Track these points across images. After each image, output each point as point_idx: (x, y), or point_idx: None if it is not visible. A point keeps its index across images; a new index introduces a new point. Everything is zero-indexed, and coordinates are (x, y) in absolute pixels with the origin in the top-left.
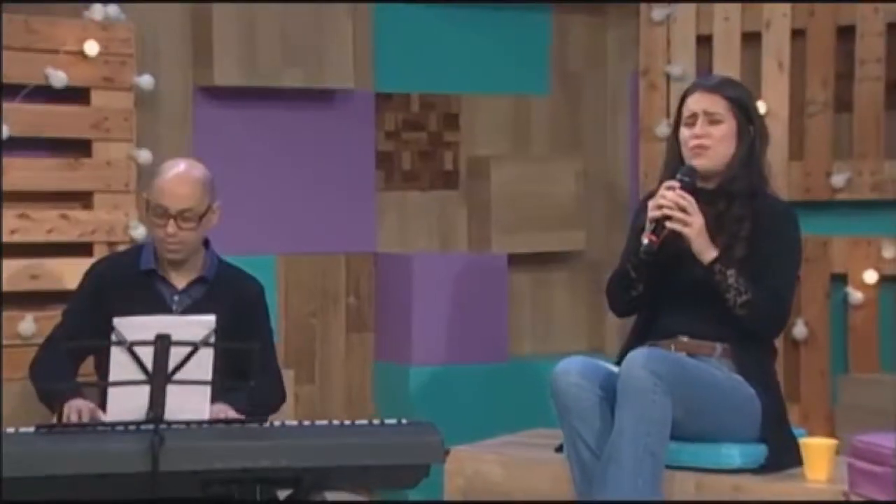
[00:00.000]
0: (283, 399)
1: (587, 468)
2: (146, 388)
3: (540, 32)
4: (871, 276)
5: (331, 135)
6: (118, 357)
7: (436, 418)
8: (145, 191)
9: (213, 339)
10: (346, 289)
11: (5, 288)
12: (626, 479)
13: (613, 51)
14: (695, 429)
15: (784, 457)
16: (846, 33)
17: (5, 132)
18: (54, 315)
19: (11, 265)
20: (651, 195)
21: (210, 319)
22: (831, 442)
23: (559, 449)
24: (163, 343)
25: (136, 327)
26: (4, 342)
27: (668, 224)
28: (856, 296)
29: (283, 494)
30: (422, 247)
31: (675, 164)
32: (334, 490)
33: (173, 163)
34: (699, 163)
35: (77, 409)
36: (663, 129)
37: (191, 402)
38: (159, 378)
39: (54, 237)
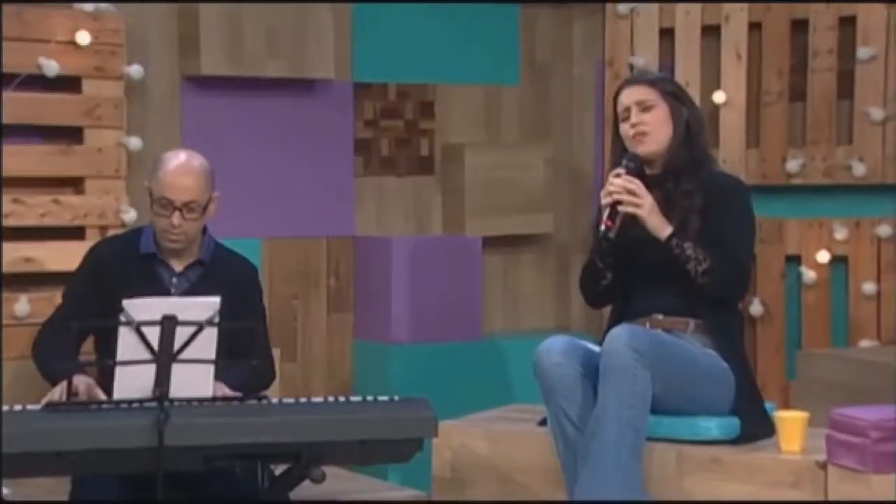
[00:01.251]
0: (273, 377)
1: (571, 442)
2: (152, 367)
3: (510, 25)
4: (823, 257)
5: (312, 123)
6: (126, 337)
7: (415, 394)
8: (147, 181)
9: (217, 320)
10: (327, 271)
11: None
12: (609, 452)
13: (579, 43)
14: (673, 402)
15: (757, 429)
16: (800, 27)
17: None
18: (48, 296)
19: (6, 248)
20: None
21: (215, 301)
22: (804, 415)
23: (542, 423)
24: (169, 323)
25: (144, 308)
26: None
27: (620, 208)
28: (809, 275)
29: (278, 470)
30: (399, 230)
31: (620, 159)
32: (331, 464)
33: (174, 154)
34: (642, 149)
35: (85, 382)
36: None
37: (195, 380)
38: (165, 357)
39: (47, 221)
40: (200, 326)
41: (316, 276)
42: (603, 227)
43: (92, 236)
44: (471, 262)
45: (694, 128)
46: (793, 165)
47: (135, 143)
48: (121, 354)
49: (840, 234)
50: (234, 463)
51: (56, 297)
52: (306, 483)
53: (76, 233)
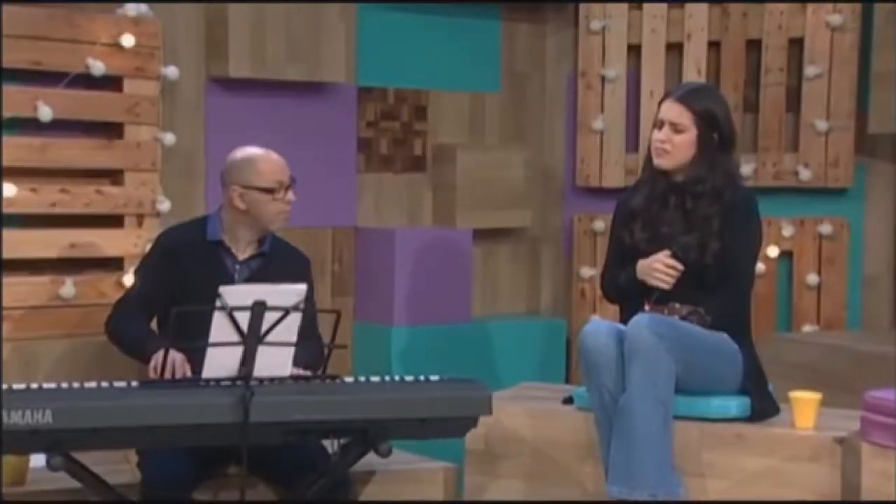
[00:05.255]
0: (322, 357)
1: (609, 413)
2: (239, 348)
3: (492, 37)
4: (772, 251)
5: (321, 123)
6: (219, 320)
7: (414, 372)
8: (237, 183)
9: (302, 306)
10: (332, 258)
11: (46, 255)
12: (640, 426)
13: (552, 55)
14: (689, 381)
15: (766, 407)
16: (754, 46)
17: (49, 115)
18: (91, 279)
19: (53, 234)
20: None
21: (302, 288)
22: (818, 395)
23: (566, 401)
24: (258, 308)
25: (237, 294)
26: (44, 304)
27: (652, 283)
28: (759, 267)
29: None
30: (394, 222)
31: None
32: (393, 440)
33: (249, 149)
34: (658, 161)
35: (181, 358)
36: (598, 124)
37: (277, 360)
38: (252, 340)
39: (91, 210)
40: (287, 311)
41: (322, 263)
42: (647, 308)
43: (130, 225)
44: (463, 252)
45: (722, 153)
46: (746, 170)
47: (169, 138)
48: (213, 336)
49: (787, 231)
50: (309, 437)
51: (98, 280)
52: None
53: (115, 221)
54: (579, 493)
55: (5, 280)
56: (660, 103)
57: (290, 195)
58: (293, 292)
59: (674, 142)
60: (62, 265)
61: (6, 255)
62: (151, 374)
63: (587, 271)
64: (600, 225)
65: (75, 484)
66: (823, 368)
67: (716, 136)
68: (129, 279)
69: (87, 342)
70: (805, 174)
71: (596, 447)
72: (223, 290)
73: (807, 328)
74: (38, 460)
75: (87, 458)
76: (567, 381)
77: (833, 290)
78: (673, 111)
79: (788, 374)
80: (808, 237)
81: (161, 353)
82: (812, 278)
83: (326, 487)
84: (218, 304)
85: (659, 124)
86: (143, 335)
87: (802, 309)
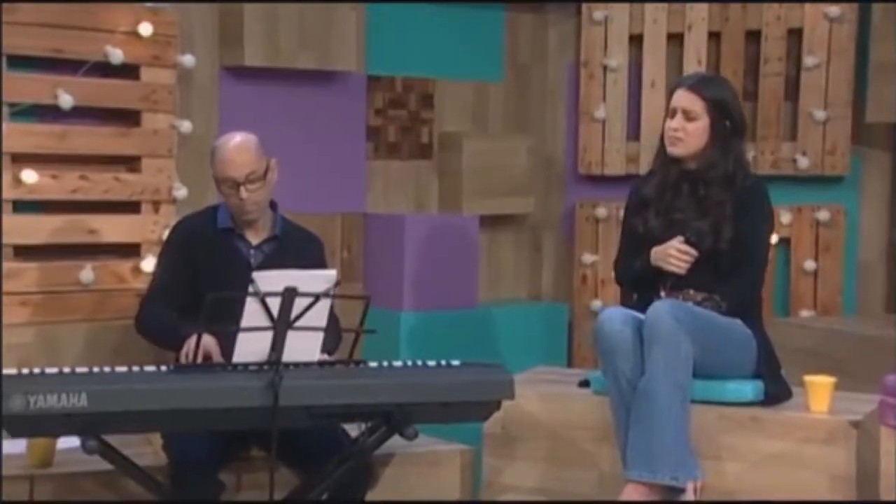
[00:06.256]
0: (341, 341)
1: (625, 397)
2: (269, 333)
3: (496, 29)
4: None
5: (331, 111)
6: (251, 305)
7: (423, 356)
8: (211, 169)
9: (332, 292)
10: (342, 244)
11: (68, 240)
12: (661, 410)
13: (554, 45)
14: (706, 365)
15: (779, 391)
16: (753, 37)
17: (70, 103)
18: (109, 265)
19: (73, 220)
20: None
21: (332, 274)
22: (832, 380)
23: (582, 384)
24: (289, 294)
25: (270, 279)
26: (64, 289)
27: (667, 269)
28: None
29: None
30: (401, 208)
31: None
32: (418, 423)
33: (224, 138)
34: (672, 149)
35: (213, 343)
36: (600, 112)
37: (306, 345)
38: (282, 325)
39: (109, 196)
40: (317, 297)
41: (331, 249)
42: (663, 294)
43: (146, 211)
44: (470, 238)
45: (733, 140)
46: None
47: (186, 126)
48: (245, 321)
49: (785, 218)
50: (335, 421)
51: (116, 266)
52: None
53: (133, 207)
54: (596, 476)
55: (26, 265)
56: (671, 92)
57: (243, 192)
58: (324, 278)
59: (687, 129)
60: (81, 250)
61: (27, 240)
62: (182, 360)
63: (589, 257)
64: (602, 212)
65: (101, 466)
66: (824, 352)
67: (727, 124)
68: (146, 265)
69: (107, 326)
70: (803, 162)
71: (611, 429)
72: (256, 275)
73: (804, 313)
74: (63, 443)
75: (111, 441)
76: (569, 364)
77: (829, 276)
78: (686, 99)
79: (790, 359)
80: (806, 224)
81: (194, 337)
82: (809, 264)
83: (349, 470)
84: (251, 289)
85: (671, 113)
86: (174, 324)
87: (799, 294)
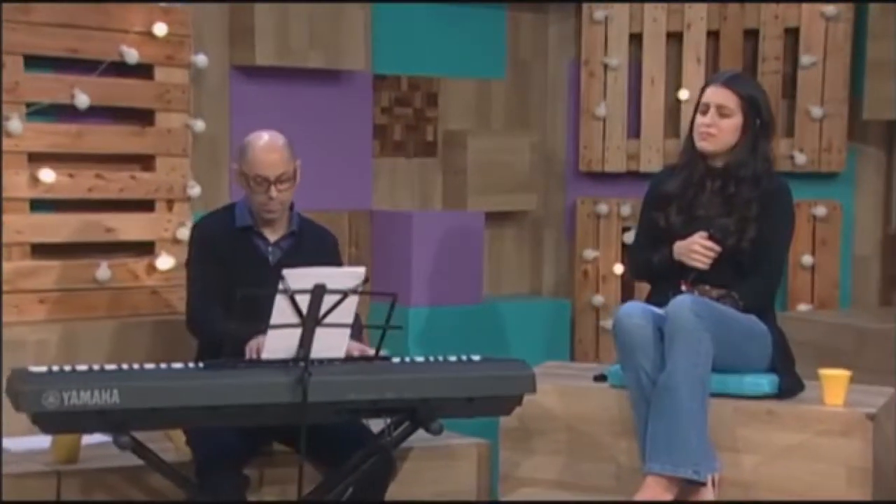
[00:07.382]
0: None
1: (645, 391)
2: (298, 330)
3: (498, 27)
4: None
5: (338, 109)
6: (281, 303)
7: (433, 351)
8: (237, 164)
9: (360, 289)
10: (349, 240)
11: (84, 239)
12: (682, 404)
13: (554, 44)
14: (724, 359)
15: (793, 385)
16: (751, 35)
17: (86, 102)
18: (125, 263)
19: (88, 219)
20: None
21: (360, 271)
22: (847, 373)
23: (597, 378)
24: (318, 291)
25: (299, 277)
26: (81, 286)
27: (690, 263)
28: None
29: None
30: (406, 206)
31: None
32: (442, 418)
33: (257, 136)
34: (702, 144)
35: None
36: (601, 110)
37: (333, 342)
38: (311, 322)
39: (124, 195)
40: (345, 294)
41: (340, 245)
42: (684, 288)
43: (161, 210)
44: (475, 235)
45: (762, 139)
46: None
47: (199, 125)
48: (274, 319)
49: None
50: (361, 416)
51: (131, 263)
52: None
53: (147, 205)
54: (614, 469)
55: (44, 263)
56: (703, 89)
57: (273, 191)
58: (352, 275)
59: (720, 126)
60: (97, 249)
61: (45, 238)
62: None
63: (590, 253)
64: (603, 208)
65: (126, 462)
66: (826, 345)
67: (758, 122)
68: (161, 262)
69: (123, 323)
70: (800, 159)
71: (629, 423)
72: (286, 273)
73: (802, 307)
74: (87, 439)
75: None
76: (571, 358)
77: (826, 270)
78: (720, 95)
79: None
80: (803, 219)
81: (259, 338)
82: (806, 259)
83: (372, 465)
84: (280, 286)
85: (703, 109)
86: (228, 329)
87: (797, 289)
